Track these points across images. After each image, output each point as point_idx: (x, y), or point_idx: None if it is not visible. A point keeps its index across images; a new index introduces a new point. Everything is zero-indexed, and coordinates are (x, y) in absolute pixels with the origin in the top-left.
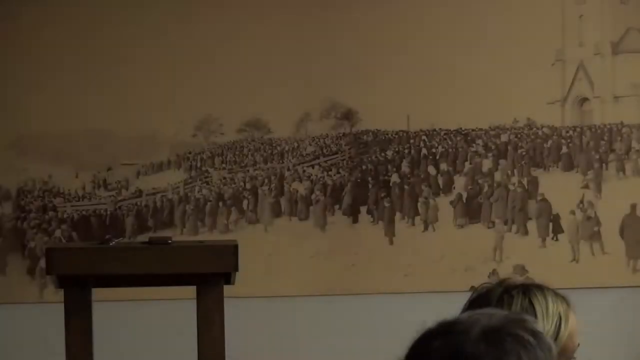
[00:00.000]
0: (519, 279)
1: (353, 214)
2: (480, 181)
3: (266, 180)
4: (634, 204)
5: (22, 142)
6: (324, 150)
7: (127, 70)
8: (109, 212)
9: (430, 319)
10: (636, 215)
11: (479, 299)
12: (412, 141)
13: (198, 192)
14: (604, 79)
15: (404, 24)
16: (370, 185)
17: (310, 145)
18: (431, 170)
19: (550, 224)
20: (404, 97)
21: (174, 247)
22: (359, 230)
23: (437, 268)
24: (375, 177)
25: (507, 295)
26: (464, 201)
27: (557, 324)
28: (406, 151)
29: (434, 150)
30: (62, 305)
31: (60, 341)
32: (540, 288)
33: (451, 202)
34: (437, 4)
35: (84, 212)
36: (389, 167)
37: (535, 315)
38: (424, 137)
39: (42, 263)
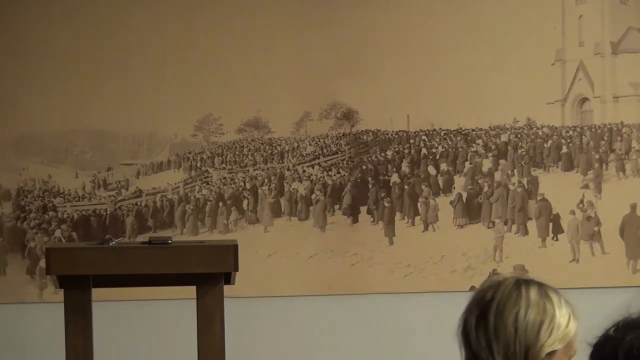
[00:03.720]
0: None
1: (353, 214)
2: (480, 181)
3: (266, 180)
4: (634, 204)
5: (22, 142)
6: (324, 150)
7: (127, 71)
8: (109, 212)
9: (430, 319)
10: (636, 215)
11: (492, 288)
12: (412, 141)
13: (198, 192)
14: (604, 79)
15: (404, 24)
16: (370, 185)
17: (310, 145)
18: (431, 170)
19: (550, 224)
20: (404, 97)
21: (174, 247)
22: (359, 230)
23: (437, 268)
24: (375, 177)
25: (524, 283)
26: (464, 201)
27: (568, 318)
28: (406, 151)
29: (434, 150)
30: (62, 305)
31: (60, 341)
32: (551, 286)
33: (451, 202)
34: (437, 3)
35: (84, 212)
36: (389, 167)
37: (553, 305)
38: (424, 137)
39: (42, 263)
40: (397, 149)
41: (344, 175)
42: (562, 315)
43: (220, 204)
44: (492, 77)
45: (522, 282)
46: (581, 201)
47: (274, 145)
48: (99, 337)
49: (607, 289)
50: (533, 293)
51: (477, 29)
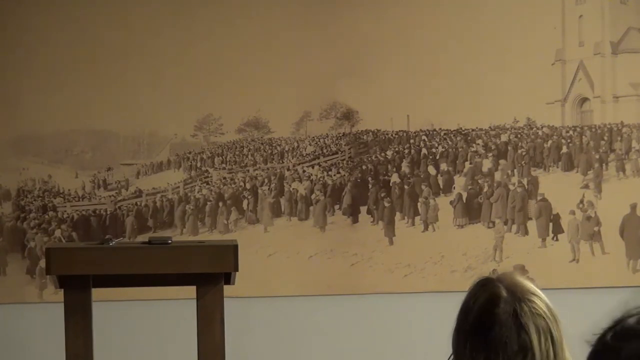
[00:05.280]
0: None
1: (353, 214)
2: (480, 181)
3: (266, 180)
4: (634, 204)
5: (22, 142)
6: (324, 150)
7: (127, 71)
8: (109, 212)
9: (430, 319)
10: (636, 215)
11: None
12: (412, 141)
13: (198, 192)
14: (604, 79)
15: (404, 24)
16: (370, 185)
17: (310, 145)
18: (431, 170)
19: (550, 224)
20: (404, 97)
21: (174, 247)
22: (359, 230)
23: (437, 268)
24: (375, 177)
25: (522, 316)
26: (464, 201)
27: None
28: (406, 151)
29: (434, 150)
30: (62, 305)
31: (60, 341)
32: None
33: (451, 202)
34: (437, 4)
35: (83, 212)
36: (389, 167)
37: (556, 322)
38: (424, 137)
39: (42, 263)
40: (397, 149)
41: (344, 175)
42: (559, 323)
43: (220, 204)
44: (492, 77)
45: (529, 305)
46: (581, 201)
47: (274, 145)
48: (99, 337)
49: (607, 289)
50: (544, 307)
51: (477, 29)
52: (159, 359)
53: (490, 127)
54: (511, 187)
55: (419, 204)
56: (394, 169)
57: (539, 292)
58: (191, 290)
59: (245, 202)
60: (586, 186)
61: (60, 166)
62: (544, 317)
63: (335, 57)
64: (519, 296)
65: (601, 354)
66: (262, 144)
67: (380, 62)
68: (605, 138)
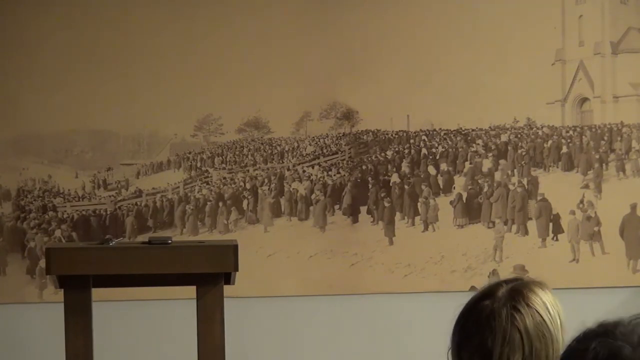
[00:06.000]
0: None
1: (353, 214)
2: (480, 181)
3: (266, 180)
4: (634, 204)
5: (22, 142)
6: (324, 150)
7: (127, 70)
8: (108, 212)
9: (430, 319)
10: (636, 215)
11: (488, 332)
12: (412, 141)
13: (198, 192)
14: (604, 79)
15: (404, 24)
16: (370, 185)
17: (310, 145)
18: (431, 170)
19: (550, 224)
20: (404, 97)
21: (174, 247)
22: (359, 230)
23: (437, 268)
24: (375, 177)
25: (514, 311)
26: (464, 201)
27: (560, 323)
28: (406, 151)
29: (434, 150)
30: (62, 305)
31: (60, 341)
32: (532, 293)
33: (451, 202)
34: (437, 3)
35: (83, 212)
36: (389, 167)
37: (548, 327)
38: (424, 137)
39: (42, 263)
40: (397, 149)
41: (344, 175)
42: (557, 329)
43: (220, 204)
44: (492, 77)
45: (512, 313)
46: (581, 201)
47: (274, 145)
48: (99, 337)
49: (607, 289)
50: (528, 323)
51: (477, 29)
52: (158, 359)
53: (490, 127)
54: (511, 187)
55: (419, 204)
56: (394, 169)
57: (542, 310)
58: (191, 290)
59: (245, 202)
60: (586, 186)
61: (60, 166)
62: (520, 333)
63: (335, 57)
64: (508, 302)
65: (568, 358)
66: (262, 144)
67: (380, 62)
68: (605, 138)
